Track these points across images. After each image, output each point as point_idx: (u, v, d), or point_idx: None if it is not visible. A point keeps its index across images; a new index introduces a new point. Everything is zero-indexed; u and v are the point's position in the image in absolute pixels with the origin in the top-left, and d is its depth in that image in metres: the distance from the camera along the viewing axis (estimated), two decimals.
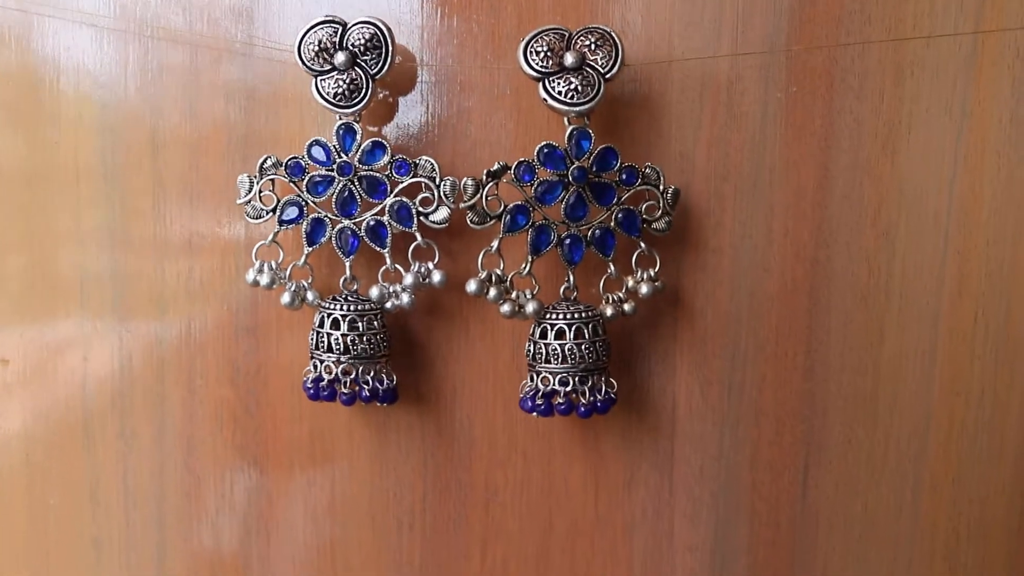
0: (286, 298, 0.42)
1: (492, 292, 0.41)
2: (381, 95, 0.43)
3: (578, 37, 0.40)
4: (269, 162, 0.41)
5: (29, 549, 0.48)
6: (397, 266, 0.42)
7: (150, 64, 0.44)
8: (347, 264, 0.42)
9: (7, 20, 0.45)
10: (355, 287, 0.43)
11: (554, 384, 0.41)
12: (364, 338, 0.41)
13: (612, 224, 0.42)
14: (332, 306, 0.41)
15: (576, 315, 0.41)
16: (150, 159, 0.45)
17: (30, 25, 0.45)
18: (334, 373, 0.41)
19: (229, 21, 0.44)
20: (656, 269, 0.42)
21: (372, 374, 0.42)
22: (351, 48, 0.40)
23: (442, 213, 0.41)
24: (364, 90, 0.40)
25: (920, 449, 0.45)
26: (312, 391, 0.42)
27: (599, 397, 0.41)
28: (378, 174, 0.41)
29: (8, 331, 0.47)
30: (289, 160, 0.41)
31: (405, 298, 0.42)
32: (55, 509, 0.48)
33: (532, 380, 0.42)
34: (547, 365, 0.41)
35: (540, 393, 0.41)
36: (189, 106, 0.44)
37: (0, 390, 0.47)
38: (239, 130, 0.44)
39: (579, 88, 0.39)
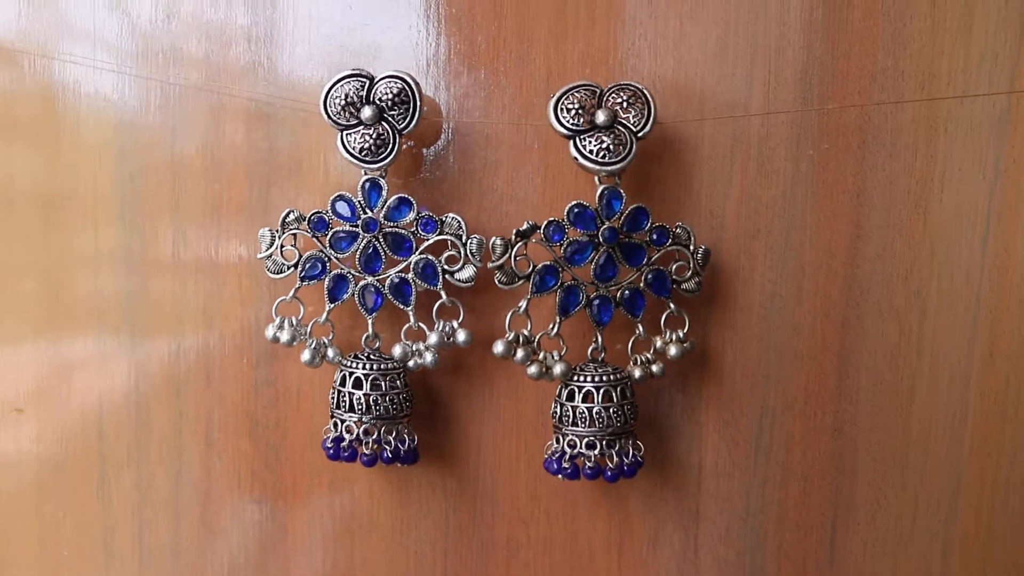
0: (306, 356, 0.42)
1: (519, 354, 0.41)
2: (406, 146, 0.43)
3: (610, 94, 0.40)
4: (292, 216, 0.41)
5: None
6: (421, 324, 0.42)
7: (171, 89, 0.45)
8: (369, 321, 0.42)
9: (26, 43, 0.45)
10: (377, 344, 0.43)
11: (581, 447, 0.41)
12: (386, 398, 0.41)
13: (642, 285, 0.42)
14: (354, 364, 0.41)
15: (604, 378, 0.41)
16: (169, 192, 0.45)
17: (50, 48, 0.45)
18: (355, 433, 0.41)
19: (247, 76, 0.44)
20: (685, 330, 0.43)
21: (394, 434, 0.42)
22: (378, 103, 0.40)
23: (468, 272, 0.41)
24: (391, 145, 0.40)
25: (951, 511, 0.45)
26: (332, 451, 0.41)
27: (626, 461, 0.41)
28: (403, 231, 0.41)
29: (22, 376, 0.47)
30: (312, 215, 0.41)
31: (428, 357, 0.42)
32: (68, 561, 0.47)
33: (558, 442, 0.42)
34: (574, 428, 0.41)
35: (567, 456, 0.41)
36: (209, 132, 0.44)
37: (14, 437, 0.47)
38: (261, 160, 0.44)
39: (611, 147, 0.39)
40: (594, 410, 0.40)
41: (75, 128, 0.45)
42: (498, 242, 0.40)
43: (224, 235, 0.45)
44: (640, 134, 0.40)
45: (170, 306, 0.45)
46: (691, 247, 0.41)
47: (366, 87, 0.40)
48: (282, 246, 0.42)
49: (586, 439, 0.41)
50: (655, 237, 0.41)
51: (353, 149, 0.40)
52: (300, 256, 0.42)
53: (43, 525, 0.47)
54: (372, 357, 0.42)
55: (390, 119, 0.40)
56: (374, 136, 0.40)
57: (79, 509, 0.47)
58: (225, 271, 0.45)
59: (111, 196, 0.45)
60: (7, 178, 0.46)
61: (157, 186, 0.45)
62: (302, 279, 0.42)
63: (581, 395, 0.41)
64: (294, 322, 0.42)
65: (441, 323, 0.42)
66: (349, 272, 0.42)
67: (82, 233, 0.45)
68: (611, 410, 0.40)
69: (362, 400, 0.41)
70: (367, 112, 0.40)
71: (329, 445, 0.42)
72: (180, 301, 0.45)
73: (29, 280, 0.46)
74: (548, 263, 0.41)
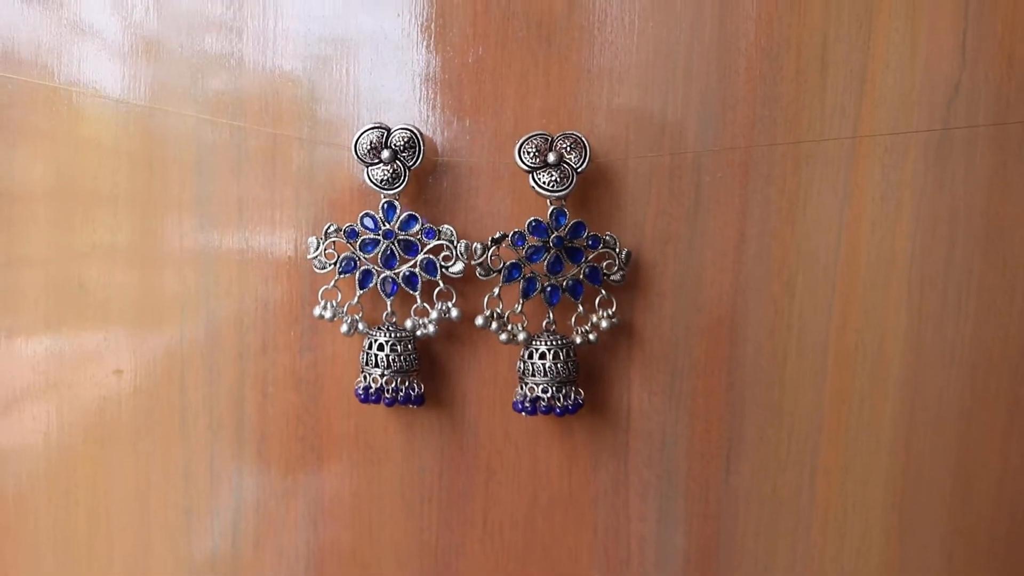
0: (344, 328, 0.46)
1: (494, 325, 0.46)
2: (413, 174, 0.45)
3: (558, 140, 0.44)
4: (332, 228, 0.45)
5: (134, 517, 0.52)
6: (425, 304, 0.46)
7: (179, 90, 0.47)
8: (388, 303, 0.46)
9: (34, 40, 0.46)
10: (394, 320, 0.47)
11: (538, 392, 0.45)
12: (401, 357, 0.45)
13: (581, 276, 0.46)
14: (377, 334, 0.46)
15: (554, 343, 0.45)
16: (236, 203, 0.48)
17: (57, 45, 0.47)
18: (379, 383, 0.46)
19: (297, 120, 0.48)
20: (613, 309, 0.47)
21: (407, 384, 0.46)
22: (393, 147, 0.44)
23: (458, 267, 0.46)
24: (403, 177, 0.45)
25: (815, 445, 0.49)
26: (363, 396, 0.46)
27: (570, 402, 0.46)
28: (412, 238, 0.45)
29: (123, 346, 0.50)
30: (346, 227, 0.45)
31: (431, 328, 0.46)
32: (155, 485, 0.51)
33: (522, 389, 0.46)
34: (533, 378, 0.45)
35: (528, 398, 0.46)
36: (267, 160, 0.47)
37: (116, 392, 0.50)
38: (305, 184, 0.47)
39: (558, 179, 0.44)
40: (547, 365, 0.45)
41: (82, 123, 0.47)
42: (478, 246, 0.45)
43: (278, 239, 0.48)
44: (580, 170, 0.44)
45: (236, 293, 0.49)
46: (617, 249, 0.46)
47: (384, 135, 0.44)
48: (324, 249, 0.46)
49: (541, 386, 0.45)
50: (590, 243, 0.45)
51: (375, 180, 0.45)
52: (338, 256, 0.46)
53: (137, 458, 0.51)
54: (390, 328, 0.46)
55: (402, 159, 0.44)
56: (390, 171, 0.44)
57: (165, 446, 0.51)
58: (278, 264, 0.49)
59: (191, 201, 0.48)
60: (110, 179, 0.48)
61: (225, 196, 0.47)
62: (340, 273, 0.46)
63: (538, 355, 0.45)
64: (334, 304, 0.46)
65: (439, 303, 0.46)
66: (373, 268, 0.46)
67: (169, 228, 0.48)
68: (559, 365, 0.45)
69: (384, 359, 0.45)
70: (385, 154, 0.44)
71: (360, 392, 0.46)
72: (243, 289, 0.49)
73: (127, 271, 0.48)
74: (514, 261, 0.45)
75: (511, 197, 0.48)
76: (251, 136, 0.47)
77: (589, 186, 0.47)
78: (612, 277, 0.46)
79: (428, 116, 0.47)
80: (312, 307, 0.47)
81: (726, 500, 0.50)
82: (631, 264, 0.47)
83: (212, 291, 0.49)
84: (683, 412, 0.49)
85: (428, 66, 0.47)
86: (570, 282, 0.46)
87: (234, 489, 0.51)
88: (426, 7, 0.46)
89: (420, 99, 0.47)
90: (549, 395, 0.45)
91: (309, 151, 0.48)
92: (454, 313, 0.46)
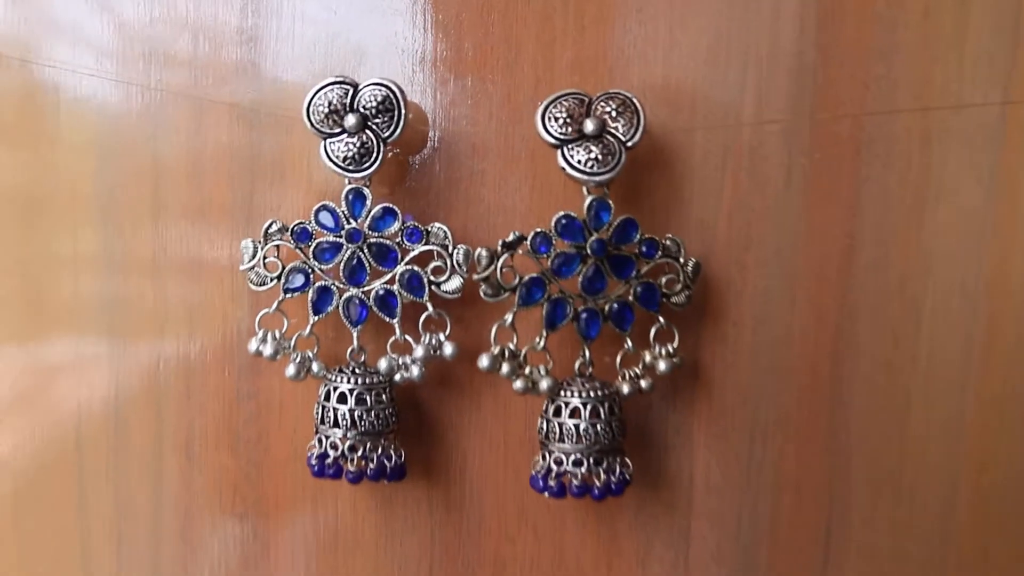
0: (291, 370, 0.42)
1: (505, 368, 0.41)
2: (391, 154, 0.43)
3: (598, 102, 0.40)
4: (274, 227, 0.41)
5: None
6: (407, 337, 0.42)
7: (153, 91, 0.45)
8: (355, 334, 0.42)
9: (7, 40, 0.45)
10: (363, 358, 0.43)
11: (567, 465, 0.41)
12: (372, 412, 0.41)
13: (631, 298, 0.42)
14: (338, 379, 0.41)
15: (592, 393, 0.41)
16: (151, 195, 0.45)
17: (31, 46, 0.45)
18: (340, 449, 0.41)
19: (231, 79, 0.44)
20: (675, 344, 0.43)
21: (380, 450, 0.42)
22: (362, 110, 0.40)
23: (455, 283, 0.41)
24: (375, 154, 0.40)
25: (946, 528, 0.45)
26: (317, 468, 0.41)
27: (614, 479, 0.41)
28: (388, 241, 0.41)
29: None
30: (295, 226, 0.41)
31: (415, 370, 0.42)
32: None
33: (544, 459, 0.41)
34: (561, 444, 0.41)
35: (553, 473, 0.41)
36: (192, 136, 0.45)
37: None
38: (244, 164, 0.45)
39: (599, 157, 0.39)
40: (581, 426, 0.40)
41: (55, 129, 0.45)
42: (483, 253, 0.40)
43: (207, 241, 0.45)
44: (629, 144, 0.40)
45: (151, 313, 0.46)
46: (681, 260, 0.42)
47: (350, 94, 0.40)
48: (265, 258, 0.42)
49: (573, 456, 0.41)
50: (644, 249, 0.41)
51: (336, 158, 0.40)
52: (283, 267, 0.42)
53: (20, 540, 0.48)
54: (357, 371, 0.42)
55: (374, 127, 0.40)
56: (358, 144, 0.40)
57: (57, 524, 0.47)
58: (207, 278, 0.45)
59: (91, 198, 0.45)
60: None
61: (138, 189, 0.45)
62: (285, 291, 0.42)
63: (568, 411, 0.41)
64: (277, 335, 0.42)
65: (428, 336, 0.42)
66: (333, 284, 0.42)
67: (61, 236, 0.46)
68: (598, 427, 0.40)
69: (347, 415, 0.41)
70: (350, 120, 0.40)
71: (314, 462, 0.42)
72: (161, 309, 0.46)
73: (6, 283, 0.46)
74: (535, 275, 0.41)
75: (530, 184, 0.44)
76: (170, 100, 0.45)
77: (641, 168, 0.43)
78: (674, 299, 0.42)
79: (414, 72, 0.44)
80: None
81: None
82: (699, 280, 0.43)
83: (118, 311, 0.46)
84: (765, 485, 0.45)
85: (415, 1, 0.44)
86: (615, 305, 0.42)
87: None
88: None
89: (403, 49, 0.44)
90: (584, 469, 0.41)
91: (248, 117, 0.44)
92: (448, 350, 0.42)
